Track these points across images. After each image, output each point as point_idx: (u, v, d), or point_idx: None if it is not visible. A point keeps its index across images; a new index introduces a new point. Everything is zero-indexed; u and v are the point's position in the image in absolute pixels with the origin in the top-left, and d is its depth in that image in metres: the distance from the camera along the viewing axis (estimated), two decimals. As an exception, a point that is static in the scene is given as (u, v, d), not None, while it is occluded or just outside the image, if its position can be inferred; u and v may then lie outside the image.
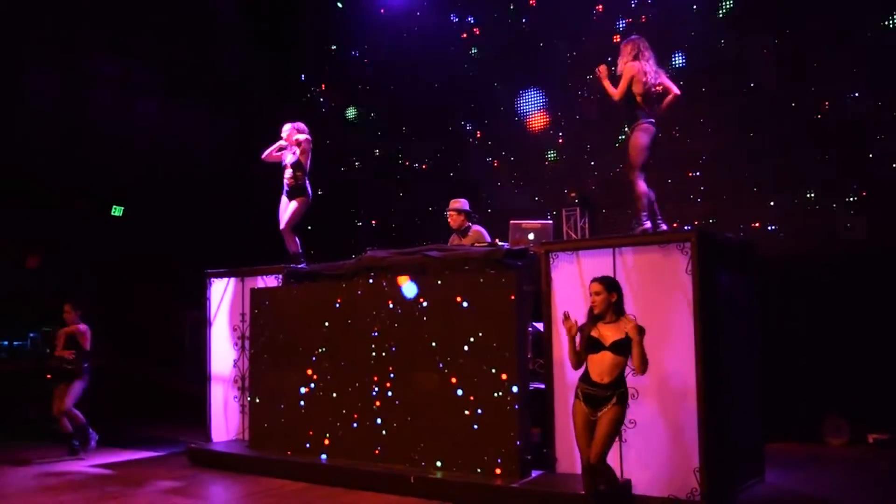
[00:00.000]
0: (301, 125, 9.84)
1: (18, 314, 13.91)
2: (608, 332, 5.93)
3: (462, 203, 9.47)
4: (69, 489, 8.32)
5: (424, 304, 8.09)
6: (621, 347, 5.86)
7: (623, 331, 5.88)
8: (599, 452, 5.83)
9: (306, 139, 9.67)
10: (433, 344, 7.97)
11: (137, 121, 15.80)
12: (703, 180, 11.97)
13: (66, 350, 10.18)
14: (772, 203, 11.40)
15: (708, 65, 11.76)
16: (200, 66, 16.09)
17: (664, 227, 7.94)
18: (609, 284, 6.02)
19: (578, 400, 5.99)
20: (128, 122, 15.64)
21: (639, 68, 7.92)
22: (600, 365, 5.91)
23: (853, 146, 10.71)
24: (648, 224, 7.82)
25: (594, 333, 5.97)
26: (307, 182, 9.72)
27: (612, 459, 6.55)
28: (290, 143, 9.72)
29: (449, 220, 9.35)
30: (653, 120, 7.94)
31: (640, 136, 7.89)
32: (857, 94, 10.72)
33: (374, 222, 15.71)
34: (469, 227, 9.32)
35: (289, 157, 9.72)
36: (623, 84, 7.95)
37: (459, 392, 7.74)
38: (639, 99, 7.92)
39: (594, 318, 6.01)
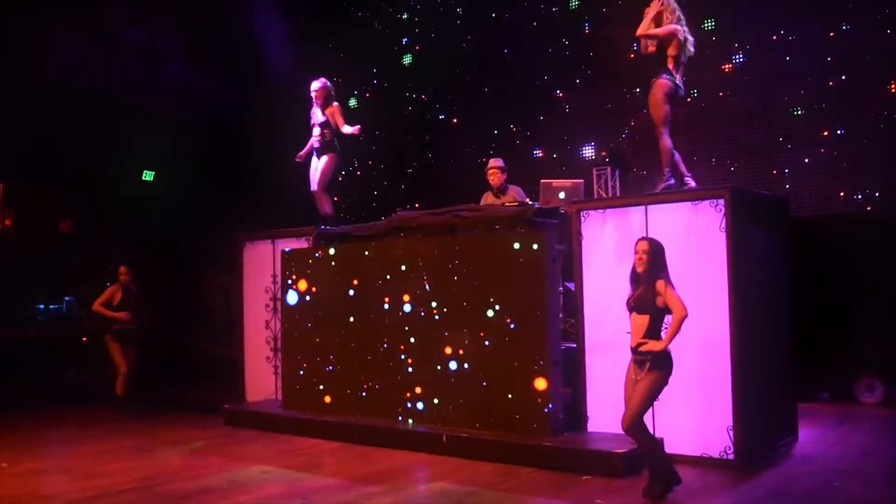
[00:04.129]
0: (328, 83, 9.79)
1: (53, 279, 14.10)
2: (635, 293, 5.88)
3: (502, 162, 9.38)
4: (109, 451, 8.45)
5: (455, 263, 8.08)
6: (642, 305, 5.80)
7: (645, 291, 5.80)
8: (627, 417, 5.84)
9: (337, 106, 9.63)
10: (464, 304, 7.97)
11: (164, 88, 15.81)
12: (733, 138, 11.86)
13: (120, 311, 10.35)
14: (805, 160, 11.26)
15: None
16: (226, 32, 16.05)
17: (692, 184, 7.84)
18: (654, 248, 5.89)
19: (631, 363, 5.98)
20: (155, 89, 15.66)
21: (683, 34, 7.76)
22: (632, 327, 5.89)
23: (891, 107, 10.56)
24: (672, 181, 7.73)
25: (630, 294, 5.95)
26: (335, 139, 9.69)
27: (647, 419, 6.54)
28: (318, 101, 9.67)
29: (490, 178, 9.24)
30: (673, 76, 7.76)
31: (656, 92, 7.77)
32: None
33: (403, 186, 15.73)
34: (507, 187, 9.24)
35: (318, 116, 9.69)
36: (661, 32, 7.72)
37: (491, 351, 7.75)
38: (670, 62, 7.76)
39: (635, 277, 5.95)
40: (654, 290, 5.78)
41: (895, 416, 9.17)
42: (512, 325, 7.62)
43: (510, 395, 7.58)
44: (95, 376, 10.55)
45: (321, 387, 9.11)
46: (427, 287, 8.25)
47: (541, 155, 14.03)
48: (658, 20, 7.84)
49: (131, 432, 9.41)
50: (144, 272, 12.40)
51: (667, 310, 5.79)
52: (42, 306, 13.95)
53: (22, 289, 13.70)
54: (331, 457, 7.87)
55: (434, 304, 8.20)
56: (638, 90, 12.08)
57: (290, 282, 9.54)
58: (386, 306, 8.58)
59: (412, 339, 8.35)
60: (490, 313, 7.77)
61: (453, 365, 8.01)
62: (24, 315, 13.56)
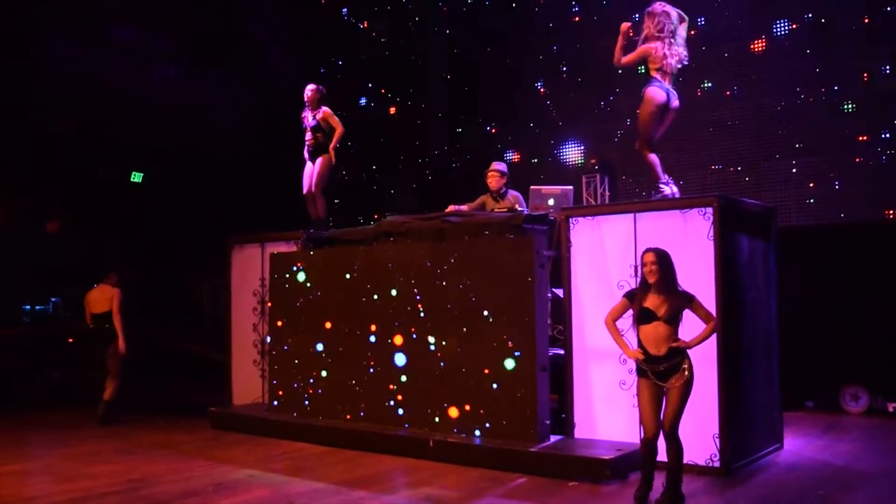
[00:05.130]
0: (322, 88, 9.86)
1: (39, 279, 14.04)
2: (660, 303, 5.82)
3: (503, 166, 9.38)
4: (93, 453, 8.42)
5: (444, 269, 8.08)
6: (674, 316, 5.80)
7: (676, 301, 5.81)
8: (671, 423, 5.79)
9: (340, 132, 9.68)
10: (452, 309, 7.97)
11: (158, 88, 15.79)
12: (723, 147, 11.94)
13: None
14: (793, 170, 11.34)
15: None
16: (221, 33, 16.05)
17: (676, 191, 7.87)
18: (661, 257, 5.89)
19: (642, 377, 5.89)
20: (149, 90, 15.64)
21: (656, 51, 7.67)
22: (654, 336, 5.81)
23: (878, 117, 10.67)
24: (668, 190, 7.76)
25: (647, 304, 5.86)
26: (328, 142, 9.73)
27: (633, 425, 6.56)
28: (309, 105, 9.74)
29: (489, 181, 9.22)
30: (662, 84, 7.71)
31: (646, 105, 7.73)
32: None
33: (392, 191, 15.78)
34: (506, 192, 9.24)
35: (309, 120, 9.76)
36: (631, 58, 7.76)
37: (478, 356, 7.75)
38: (652, 73, 7.77)
39: (646, 287, 5.91)
40: (693, 304, 5.84)
41: (880, 424, 9.22)
42: (499, 331, 7.61)
43: (497, 401, 7.58)
44: (81, 377, 10.46)
45: (307, 391, 9.09)
46: (415, 292, 8.25)
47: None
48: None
49: (116, 434, 9.36)
50: (132, 272, 12.37)
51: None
52: (28, 307, 13.88)
53: (7, 289, 13.63)
54: (317, 461, 7.85)
55: (422, 310, 8.20)
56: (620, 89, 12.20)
57: (277, 285, 9.51)
58: (374, 311, 8.56)
59: (400, 345, 8.33)
60: (477, 319, 7.77)
61: (441, 370, 8.00)
62: (9, 315, 13.48)
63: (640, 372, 5.92)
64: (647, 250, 5.97)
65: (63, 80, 14.28)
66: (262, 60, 16.21)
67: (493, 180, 9.15)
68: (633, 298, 5.97)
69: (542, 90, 14.08)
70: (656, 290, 5.85)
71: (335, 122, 9.68)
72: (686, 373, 5.79)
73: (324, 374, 8.97)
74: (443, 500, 6.36)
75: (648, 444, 5.90)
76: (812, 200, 11.19)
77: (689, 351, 5.84)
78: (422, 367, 8.16)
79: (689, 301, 5.88)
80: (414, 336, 8.24)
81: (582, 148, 13.58)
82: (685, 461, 6.77)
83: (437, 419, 8.00)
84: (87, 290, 10.43)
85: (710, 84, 11.95)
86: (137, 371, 11.94)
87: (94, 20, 14.93)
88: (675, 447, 5.85)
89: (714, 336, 6.77)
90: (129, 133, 14.74)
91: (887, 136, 10.69)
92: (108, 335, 10.07)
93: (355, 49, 16.20)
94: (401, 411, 8.29)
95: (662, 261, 5.86)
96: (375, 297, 8.57)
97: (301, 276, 9.30)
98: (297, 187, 10.06)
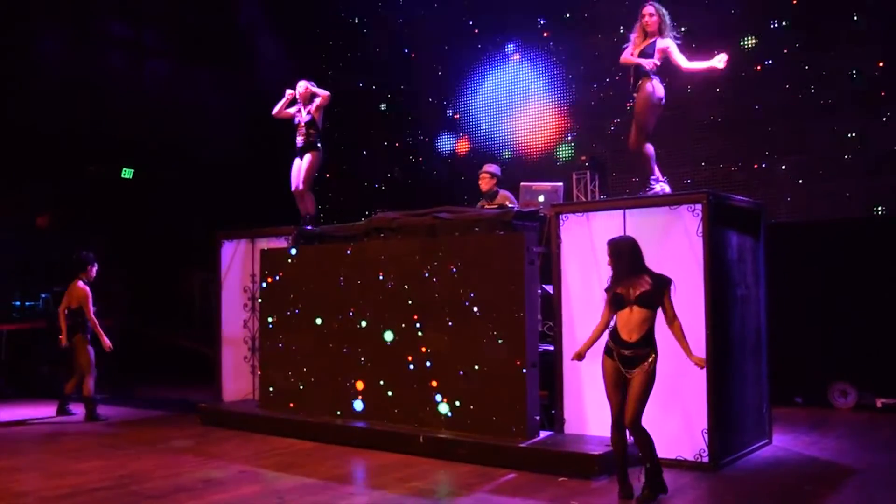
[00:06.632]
0: (314, 84, 9.88)
1: (30, 275, 13.97)
2: (632, 287, 5.87)
3: (494, 168, 9.46)
4: (83, 448, 8.40)
5: (434, 265, 8.08)
6: (647, 300, 5.81)
7: (647, 283, 5.84)
8: (632, 414, 5.80)
9: (325, 95, 9.66)
10: (442, 305, 7.98)
11: (148, 84, 15.74)
12: (713, 144, 11.97)
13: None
14: (783, 167, 11.38)
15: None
16: (212, 28, 16.01)
17: (668, 189, 7.91)
18: (613, 246, 6.04)
19: (608, 357, 5.94)
20: (139, 85, 15.59)
21: (673, 48, 7.82)
22: (628, 321, 5.86)
23: (866, 115, 10.72)
24: (659, 188, 7.79)
25: (619, 290, 5.92)
26: (319, 139, 9.74)
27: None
28: (302, 101, 9.73)
29: (480, 182, 9.33)
30: (658, 78, 7.82)
31: (646, 100, 7.79)
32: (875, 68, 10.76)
33: (383, 186, 15.76)
34: (497, 192, 9.31)
35: (303, 115, 9.73)
36: (680, 57, 7.81)
37: (468, 353, 7.76)
38: (652, 66, 7.79)
39: (614, 277, 6.02)
40: (666, 293, 5.84)
41: (868, 420, 9.27)
42: (489, 327, 7.62)
43: (487, 397, 7.59)
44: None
45: (298, 387, 9.08)
46: (406, 288, 8.25)
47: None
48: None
49: (106, 430, 9.35)
50: (123, 269, 12.33)
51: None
52: (18, 303, 13.80)
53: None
54: (307, 457, 7.85)
55: (412, 307, 8.20)
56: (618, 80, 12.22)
57: (268, 281, 9.50)
58: (364, 307, 8.56)
59: (389, 339, 8.34)
60: (467, 315, 7.78)
61: (431, 366, 8.02)
62: (-1, 311, 13.43)
63: (608, 350, 5.97)
64: (608, 242, 6.15)
65: (54, 76, 14.22)
66: (253, 56, 16.17)
67: (484, 182, 9.28)
68: (608, 289, 6.04)
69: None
70: (619, 276, 5.94)
71: (321, 91, 9.72)
72: (649, 366, 5.81)
73: (314, 370, 8.96)
74: (433, 494, 6.37)
75: (616, 427, 5.93)
76: (801, 198, 11.21)
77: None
78: (412, 364, 8.16)
79: (665, 286, 5.85)
80: (403, 332, 8.23)
81: (574, 145, 13.58)
82: (674, 457, 6.88)
83: (426, 415, 8.01)
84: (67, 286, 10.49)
85: (700, 82, 11.95)
86: (127, 367, 11.91)
87: (87, 17, 14.87)
88: (642, 440, 5.87)
89: (703, 331, 6.85)
90: (120, 129, 14.69)
91: (875, 134, 10.73)
92: (73, 329, 10.12)
93: (348, 45, 16.20)
94: (390, 407, 8.29)
95: (613, 249, 6.02)
96: (365, 293, 8.56)
97: (291, 272, 9.28)
98: (288, 184, 10.03)
